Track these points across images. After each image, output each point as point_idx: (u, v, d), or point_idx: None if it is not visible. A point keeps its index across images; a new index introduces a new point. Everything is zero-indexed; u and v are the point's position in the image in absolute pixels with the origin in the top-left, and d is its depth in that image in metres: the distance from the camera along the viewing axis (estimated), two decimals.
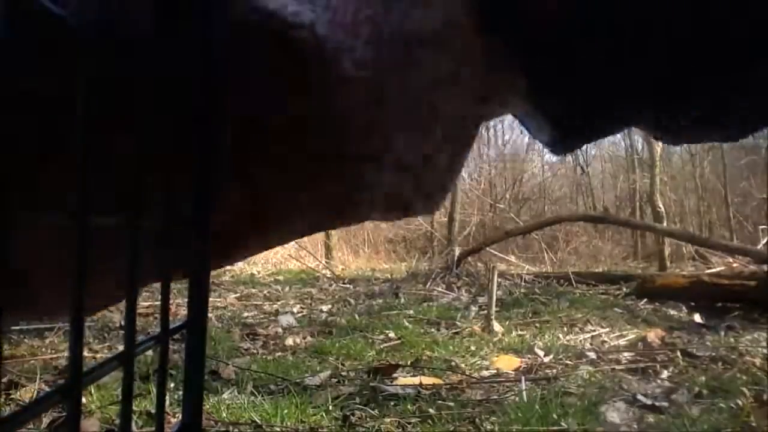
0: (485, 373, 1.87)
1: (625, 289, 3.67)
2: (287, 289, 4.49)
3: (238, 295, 4.00)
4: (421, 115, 0.27)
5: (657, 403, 1.50)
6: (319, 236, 8.36)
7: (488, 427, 1.36)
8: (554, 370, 1.89)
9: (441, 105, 0.27)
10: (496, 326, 2.60)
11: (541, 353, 2.11)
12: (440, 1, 0.26)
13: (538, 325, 2.73)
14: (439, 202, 0.29)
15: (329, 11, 0.27)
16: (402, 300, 3.66)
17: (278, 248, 7.46)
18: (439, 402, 1.53)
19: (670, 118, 0.30)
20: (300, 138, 0.26)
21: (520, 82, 0.28)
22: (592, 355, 2.10)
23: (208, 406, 1.43)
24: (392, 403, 1.52)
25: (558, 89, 0.28)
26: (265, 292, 4.22)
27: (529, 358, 2.05)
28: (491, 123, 8.44)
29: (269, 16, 0.25)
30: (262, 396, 1.54)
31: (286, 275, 5.73)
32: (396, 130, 0.27)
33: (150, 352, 0.22)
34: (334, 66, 0.25)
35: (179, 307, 2.66)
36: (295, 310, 3.33)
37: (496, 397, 1.60)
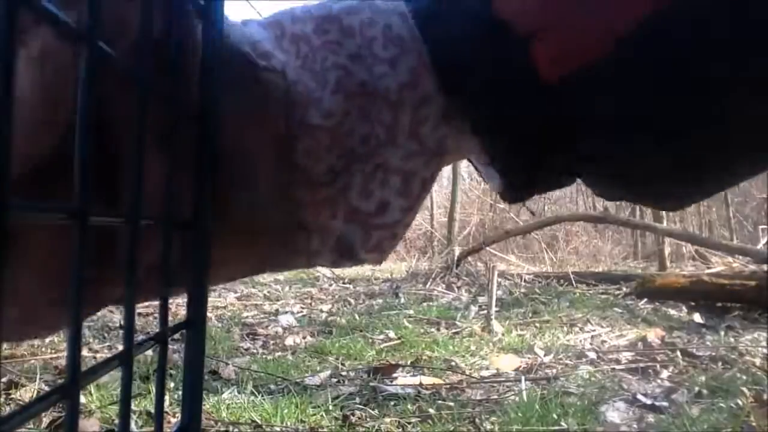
0: (485, 373, 1.87)
1: (625, 289, 3.67)
2: (287, 289, 4.49)
3: (238, 295, 4.00)
4: (377, 168, 0.28)
5: (657, 403, 1.50)
6: None
7: (488, 427, 1.36)
8: (554, 370, 1.89)
9: (396, 161, 0.28)
10: (496, 326, 2.60)
11: (541, 353, 2.11)
12: (405, 62, 0.28)
13: (538, 325, 2.73)
14: (388, 251, 0.30)
15: (300, 59, 0.27)
16: (402, 300, 3.66)
17: None
18: (439, 402, 1.53)
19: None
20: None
21: (473, 139, 0.30)
22: (592, 355, 2.10)
23: (208, 406, 1.43)
24: (392, 403, 1.52)
25: (506, 148, 0.30)
26: (265, 292, 4.22)
27: (529, 358, 2.05)
28: None
29: (242, 55, 0.26)
30: (262, 396, 1.54)
31: (286, 275, 5.73)
32: (353, 179, 0.28)
33: (150, 352, 0.22)
34: (301, 113, 0.26)
35: (179, 307, 2.66)
36: (295, 309, 3.33)
37: (496, 397, 1.60)
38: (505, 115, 0.28)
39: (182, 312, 0.26)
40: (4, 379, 1.56)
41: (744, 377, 1.72)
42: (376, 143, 0.27)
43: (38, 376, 1.60)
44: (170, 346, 0.23)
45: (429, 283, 4.29)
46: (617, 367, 1.93)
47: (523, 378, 1.73)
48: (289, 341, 2.39)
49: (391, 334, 2.48)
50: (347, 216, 0.28)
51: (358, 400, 1.54)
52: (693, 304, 3.07)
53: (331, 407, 1.47)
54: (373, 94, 0.27)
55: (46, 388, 1.56)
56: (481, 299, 3.45)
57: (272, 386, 1.68)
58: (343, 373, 1.85)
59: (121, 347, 0.16)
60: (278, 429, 1.34)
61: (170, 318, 0.22)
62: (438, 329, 2.66)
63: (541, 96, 0.28)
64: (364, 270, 6.39)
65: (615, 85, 0.28)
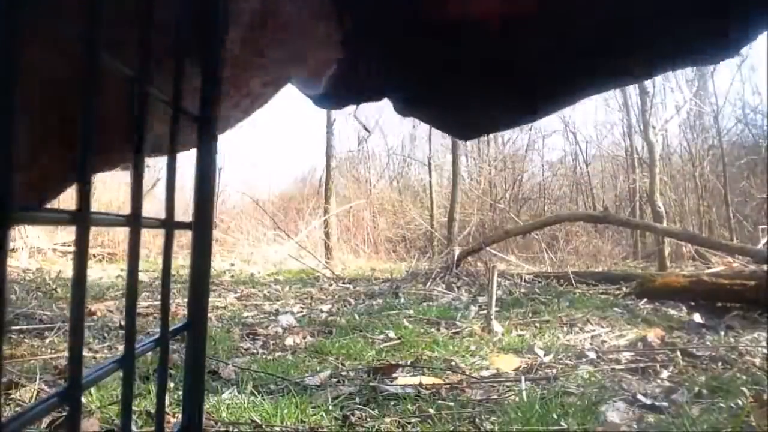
0: (485, 373, 1.87)
1: (625, 289, 3.67)
2: (287, 289, 4.49)
3: (238, 295, 4.00)
4: (242, 95, 0.30)
5: (657, 403, 1.50)
6: (319, 236, 8.37)
7: (488, 427, 1.36)
8: (554, 370, 1.89)
9: (258, 88, 0.30)
10: (496, 326, 2.60)
11: (541, 353, 2.11)
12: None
13: (538, 325, 2.73)
14: None
15: None
16: (402, 300, 3.66)
17: (278, 248, 7.46)
18: (439, 402, 1.53)
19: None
20: None
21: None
22: (592, 355, 2.10)
23: (208, 406, 1.43)
24: (392, 403, 1.52)
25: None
26: (265, 292, 4.22)
27: (529, 358, 2.05)
28: None
29: None
30: (262, 396, 1.54)
31: (286, 275, 5.74)
32: (235, 86, 0.29)
33: (149, 352, 0.22)
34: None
35: (179, 307, 2.66)
36: (295, 310, 3.33)
37: (496, 397, 1.60)
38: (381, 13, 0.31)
39: (182, 312, 0.26)
40: (4, 379, 1.56)
41: (744, 377, 1.72)
42: (256, 71, 0.29)
43: (38, 376, 1.60)
44: (170, 346, 0.23)
45: (429, 283, 4.29)
46: (617, 367, 1.93)
47: (523, 378, 1.73)
48: (289, 341, 2.39)
49: (391, 334, 2.48)
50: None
51: (358, 400, 1.54)
52: (693, 304, 3.07)
53: (331, 407, 1.47)
54: (276, 21, 0.28)
55: (46, 389, 1.56)
56: (481, 299, 3.45)
57: (272, 386, 1.68)
58: (343, 373, 1.85)
59: (121, 347, 0.16)
60: (278, 429, 1.34)
61: (170, 318, 0.22)
62: (438, 329, 2.66)
63: (418, 22, 0.31)
64: (364, 270, 6.39)
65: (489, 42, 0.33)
